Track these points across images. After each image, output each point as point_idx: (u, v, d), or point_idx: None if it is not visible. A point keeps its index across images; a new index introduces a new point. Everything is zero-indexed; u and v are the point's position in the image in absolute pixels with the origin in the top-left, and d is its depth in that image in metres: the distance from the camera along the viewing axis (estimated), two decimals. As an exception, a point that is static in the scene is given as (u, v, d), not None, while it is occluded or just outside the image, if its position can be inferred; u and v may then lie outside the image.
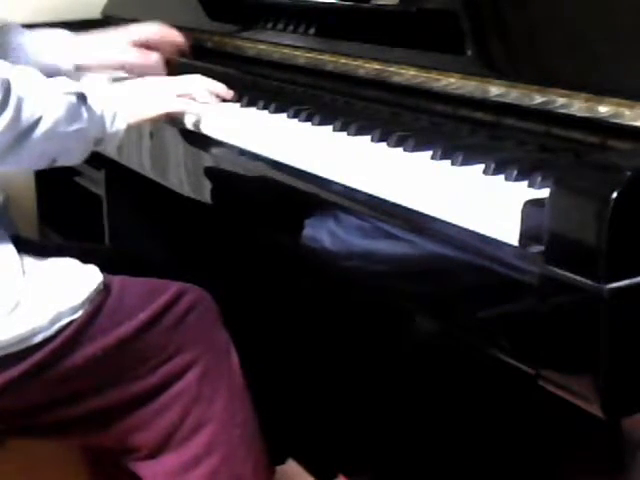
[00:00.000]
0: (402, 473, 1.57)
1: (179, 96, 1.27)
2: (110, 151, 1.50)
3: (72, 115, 1.13)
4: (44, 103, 1.10)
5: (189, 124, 1.28)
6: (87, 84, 1.20)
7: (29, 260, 1.12)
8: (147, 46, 1.49)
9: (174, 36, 1.54)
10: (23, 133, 1.08)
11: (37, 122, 1.09)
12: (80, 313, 1.10)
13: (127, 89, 1.26)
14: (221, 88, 1.31)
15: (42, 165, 1.17)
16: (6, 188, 1.46)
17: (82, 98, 1.15)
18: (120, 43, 1.48)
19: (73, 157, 1.18)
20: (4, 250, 1.10)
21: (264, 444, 1.24)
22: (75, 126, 1.13)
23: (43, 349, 1.08)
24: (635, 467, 1.00)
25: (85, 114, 1.15)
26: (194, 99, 1.27)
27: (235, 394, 1.21)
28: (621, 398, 0.77)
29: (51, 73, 1.22)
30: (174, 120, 1.29)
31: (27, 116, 1.08)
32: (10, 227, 1.27)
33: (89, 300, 1.11)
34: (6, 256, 1.09)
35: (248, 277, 1.84)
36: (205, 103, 1.28)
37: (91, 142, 1.18)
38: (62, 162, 1.18)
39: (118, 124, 1.19)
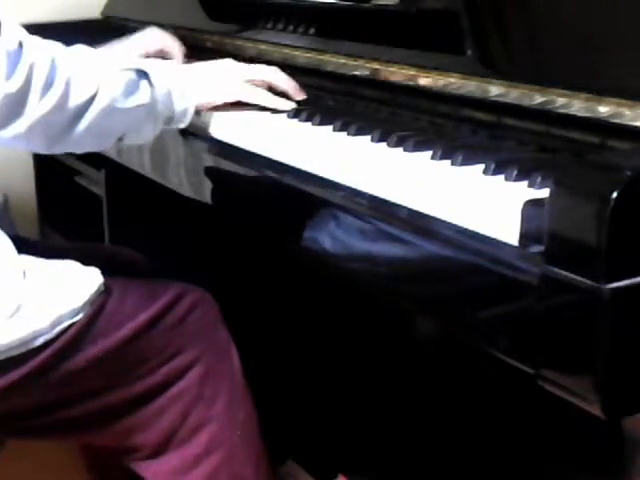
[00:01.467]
0: (402, 473, 1.57)
1: (251, 83, 1.25)
2: (110, 151, 1.50)
3: (131, 90, 1.11)
4: (98, 80, 1.08)
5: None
6: (153, 64, 1.18)
7: (30, 262, 1.11)
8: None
9: (172, 47, 1.52)
10: (77, 112, 1.06)
11: (91, 99, 1.07)
12: (81, 315, 1.10)
13: (199, 71, 1.23)
14: (292, 87, 1.28)
15: (108, 144, 1.16)
16: (6, 188, 1.46)
17: (143, 74, 1.13)
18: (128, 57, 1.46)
19: (142, 134, 1.17)
20: (5, 254, 1.09)
21: (264, 444, 1.24)
22: (135, 102, 1.11)
23: (44, 352, 1.08)
24: (635, 467, 1.00)
25: (147, 90, 1.13)
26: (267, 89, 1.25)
27: (236, 394, 1.21)
28: (621, 398, 0.77)
29: None
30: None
31: (79, 94, 1.06)
32: (10, 227, 1.27)
33: (90, 302, 1.11)
34: (7, 260, 1.09)
35: (248, 277, 1.84)
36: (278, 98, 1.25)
37: (160, 120, 1.17)
38: (131, 140, 1.17)
39: (186, 102, 1.17)
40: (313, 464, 1.64)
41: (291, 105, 1.25)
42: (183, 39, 1.69)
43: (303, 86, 1.32)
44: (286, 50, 1.43)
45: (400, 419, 1.57)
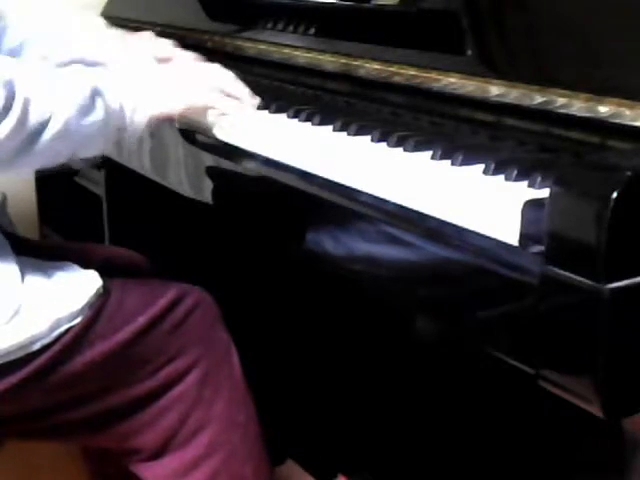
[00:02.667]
0: (402, 473, 1.57)
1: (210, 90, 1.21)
2: (110, 151, 1.50)
3: (85, 110, 1.08)
4: (53, 102, 1.05)
5: (186, 124, 1.28)
6: (107, 73, 1.14)
7: (28, 264, 1.10)
8: None
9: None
10: (32, 136, 1.03)
11: (46, 123, 1.04)
12: (80, 319, 1.09)
13: (153, 80, 1.19)
14: (246, 95, 1.25)
15: (58, 162, 1.13)
16: (6, 188, 1.46)
17: (97, 91, 1.09)
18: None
19: (92, 150, 1.14)
20: (3, 258, 1.08)
21: (265, 444, 1.24)
22: (89, 121, 1.08)
23: (42, 355, 1.07)
24: (635, 467, 1.00)
25: (101, 108, 1.09)
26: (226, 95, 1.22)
27: (236, 395, 1.21)
28: (621, 398, 0.77)
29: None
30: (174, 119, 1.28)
31: (35, 118, 1.03)
32: (9, 226, 1.27)
33: (89, 305, 1.10)
34: (5, 264, 1.08)
35: (248, 277, 1.84)
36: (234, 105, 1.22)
37: (111, 133, 1.13)
38: (81, 155, 1.14)
39: (139, 117, 1.13)
40: (313, 464, 1.64)
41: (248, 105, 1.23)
42: (183, 39, 1.69)
43: (303, 86, 1.32)
44: (286, 50, 1.43)
45: (400, 419, 1.57)
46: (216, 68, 1.25)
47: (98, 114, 1.09)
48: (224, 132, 1.22)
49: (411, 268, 0.96)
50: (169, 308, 1.17)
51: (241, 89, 1.24)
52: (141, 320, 1.14)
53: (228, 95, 1.23)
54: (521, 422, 1.35)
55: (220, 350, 1.21)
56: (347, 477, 1.60)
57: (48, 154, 1.08)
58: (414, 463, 1.55)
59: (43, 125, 1.04)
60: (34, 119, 1.03)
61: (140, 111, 1.13)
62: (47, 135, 1.04)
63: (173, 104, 1.18)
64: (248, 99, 1.24)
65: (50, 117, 1.04)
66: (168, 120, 1.23)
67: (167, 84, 1.19)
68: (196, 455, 1.18)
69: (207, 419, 1.18)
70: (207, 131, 1.25)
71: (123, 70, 1.18)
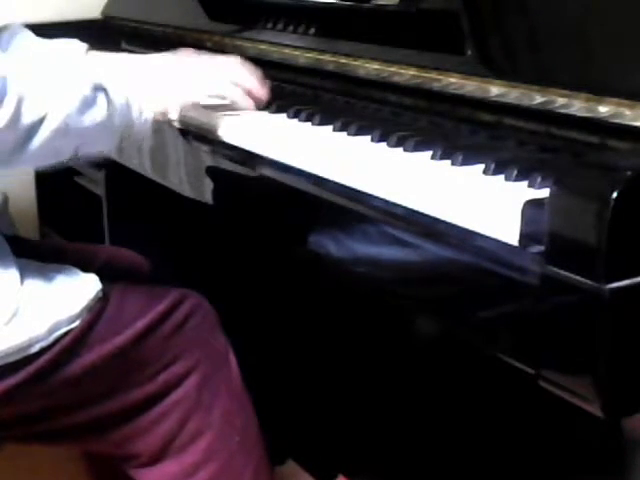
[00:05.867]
0: (402, 473, 1.57)
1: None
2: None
3: (86, 106, 1.05)
4: (51, 99, 1.02)
5: (185, 124, 1.27)
6: (111, 69, 1.12)
7: (28, 266, 1.10)
8: None
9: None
10: (28, 132, 1.01)
11: (43, 119, 1.01)
12: (78, 322, 1.09)
13: (160, 73, 1.18)
14: (258, 90, 1.24)
15: (63, 160, 1.09)
16: (6, 188, 1.46)
17: (99, 88, 1.07)
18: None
19: (97, 146, 1.11)
20: (3, 259, 1.08)
21: (264, 448, 1.23)
22: (90, 116, 1.05)
23: (41, 358, 1.07)
24: (635, 467, 1.00)
25: (104, 104, 1.07)
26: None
27: (234, 400, 1.21)
28: (621, 398, 0.77)
29: None
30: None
31: (30, 114, 1.00)
32: (9, 227, 1.27)
33: (87, 309, 1.10)
34: (4, 266, 1.07)
35: (246, 275, 1.84)
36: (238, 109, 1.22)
37: (118, 132, 1.10)
38: (85, 153, 1.10)
39: (146, 113, 1.11)
40: (313, 464, 1.64)
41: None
42: (183, 39, 1.69)
43: (303, 86, 1.31)
44: (286, 50, 1.43)
45: (400, 419, 1.57)
46: (231, 62, 1.25)
47: (100, 109, 1.06)
48: (224, 132, 1.22)
49: (411, 268, 0.95)
50: (168, 313, 1.16)
51: (255, 87, 1.24)
52: (140, 324, 1.13)
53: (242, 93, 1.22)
54: (521, 422, 1.35)
55: (218, 355, 1.21)
56: (347, 477, 1.60)
57: (47, 151, 1.05)
58: (414, 463, 1.55)
59: (40, 122, 1.01)
60: (29, 116, 1.00)
61: (147, 106, 1.12)
62: (44, 132, 1.02)
63: (177, 100, 1.17)
64: (261, 97, 1.24)
65: (47, 114, 1.02)
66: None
67: (173, 78, 1.18)
68: (194, 460, 1.18)
69: (206, 424, 1.18)
70: (207, 131, 1.25)
71: (128, 65, 1.17)
